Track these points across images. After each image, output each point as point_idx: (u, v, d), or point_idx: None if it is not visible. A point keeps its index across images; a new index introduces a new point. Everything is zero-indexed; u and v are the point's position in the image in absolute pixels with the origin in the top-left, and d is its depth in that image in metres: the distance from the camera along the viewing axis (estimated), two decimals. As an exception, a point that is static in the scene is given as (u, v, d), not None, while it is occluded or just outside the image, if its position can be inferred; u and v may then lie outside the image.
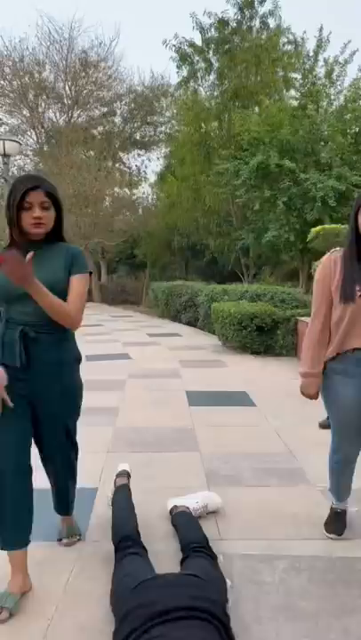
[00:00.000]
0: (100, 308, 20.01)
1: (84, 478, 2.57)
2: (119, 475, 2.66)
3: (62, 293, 1.96)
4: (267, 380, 5.88)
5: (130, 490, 2.52)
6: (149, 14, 43.43)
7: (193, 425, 4.15)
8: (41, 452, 2.20)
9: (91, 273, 2.06)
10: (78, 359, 2.18)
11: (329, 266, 2.24)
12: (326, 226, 6.91)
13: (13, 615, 1.87)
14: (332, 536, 2.41)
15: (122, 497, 2.42)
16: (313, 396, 2.33)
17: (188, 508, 2.48)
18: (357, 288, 2.12)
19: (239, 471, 3.19)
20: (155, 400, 4.98)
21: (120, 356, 7.68)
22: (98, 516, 2.59)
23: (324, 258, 2.31)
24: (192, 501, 2.55)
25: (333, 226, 6.83)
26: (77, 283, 1.99)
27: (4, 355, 1.96)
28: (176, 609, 1.57)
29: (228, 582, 1.94)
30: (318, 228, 6.71)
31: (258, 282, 16.01)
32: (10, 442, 1.96)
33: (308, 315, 2.34)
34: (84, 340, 8.21)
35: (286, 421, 4.23)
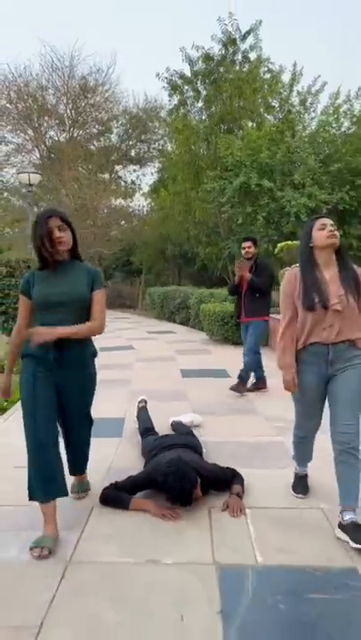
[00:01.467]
0: (100, 311, 21.67)
1: (116, 413, 4.29)
2: (140, 402, 4.38)
3: (85, 303, 2.52)
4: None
5: (147, 408, 4.24)
6: (143, 42, 46.41)
7: (185, 388, 5.88)
8: (64, 426, 2.70)
9: (105, 286, 3.25)
10: (95, 354, 2.70)
11: (291, 280, 2.67)
12: (289, 242, 8.68)
13: (52, 553, 2.34)
14: (299, 496, 2.93)
15: (143, 411, 4.15)
16: (290, 385, 2.66)
17: (181, 421, 4.20)
18: (316, 299, 2.55)
19: (215, 409, 4.91)
20: (157, 375, 6.69)
21: (126, 347, 9.41)
22: (126, 429, 4.30)
23: (287, 273, 2.73)
24: (184, 418, 4.27)
25: (294, 242, 8.58)
26: (99, 297, 2.56)
27: (40, 351, 2.45)
28: (176, 444, 3.28)
29: (203, 445, 3.66)
30: (282, 244, 8.48)
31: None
32: (42, 415, 2.43)
33: (279, 312, 2.78)
34: (94, 337, 10.03)
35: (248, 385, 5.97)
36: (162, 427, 4.06)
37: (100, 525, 2.65)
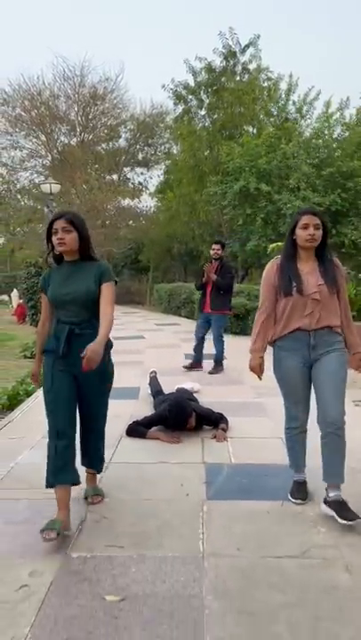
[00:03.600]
0: (110, 307, 22.96)
1: (132, 384, 5.51)
2: (151, 372, 5.59)
3: (93, 298, 2.61)
4: (237, 348, 8.77)
5: (157, 377, 5.46)
6: (149, 52, 48.87)
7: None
8: (81, 412, 2.76)
9: (116, 282, 2.71)
10: (110, 345, 2.72)
11: (271, 269, 2.82)
12: (279, 243, 9.84)
13: (60, 535, 2.39)
14: (298, 502, 2.84)
15: (154, 379, 5.36)
16: (255, 368, 2.93)
17: (184, 387, 5.40)
18: (293, 284, 2.68)
19: (211, 380, 6.13)
20: (165, 358, 7.90)
21: (137, 337, 10.66)
22: (140, 394, 5.51)
23: (269, 263, 2.86)
24: (187, 385, 5.47)
25: (286, 243, 9.74)
26: (106, 291, 2.63)
27: (55, 344, 2.63)
28: (181, 397, 4.49)
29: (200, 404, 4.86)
30: (274, 244, 9.65)
31: (246, 282, 18.93)
32: (61, 409, 2.59)
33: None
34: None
35: (244, 365, 7.15)
36: (169, 390, 5.26)
37: (133, 443, 3.88)
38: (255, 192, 14.81)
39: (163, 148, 25.71)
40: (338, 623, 1.88)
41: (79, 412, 2.75)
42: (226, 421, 4.20)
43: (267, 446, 3.81)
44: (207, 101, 17.99)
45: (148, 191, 27.18)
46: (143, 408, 4.92)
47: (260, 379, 2.99)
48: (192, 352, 7.13)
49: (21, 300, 16.58)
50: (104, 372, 2.71)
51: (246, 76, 17.50)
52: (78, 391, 2.69)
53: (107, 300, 2.62)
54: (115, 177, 26.42)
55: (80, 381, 2.67)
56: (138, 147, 26.19)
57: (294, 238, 2.74)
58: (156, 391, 5.09)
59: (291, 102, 16.33)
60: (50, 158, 25.23)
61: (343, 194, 14.27)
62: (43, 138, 24.36)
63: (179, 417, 3.99)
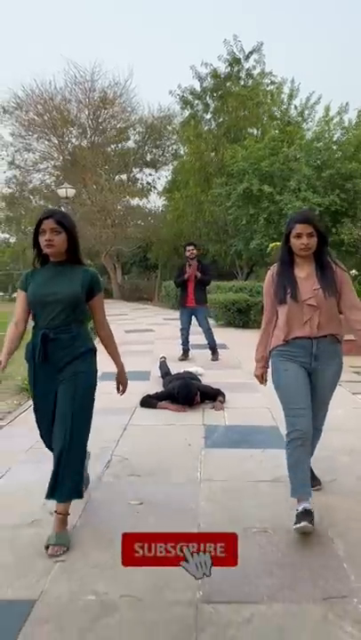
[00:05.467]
0: (120, 303, 23.86)
1: (144, 368, 6.35)
2: (161, 357, 6.43)
3: (77, 303, 2.50)
4: (238, 339, 9.62)
5: (166, 362, 6.29)
6: (158, 56, 50.05)
7: (193, 355, 7.92)
8: (57, 426, 2.48)
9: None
10: (93, 350, 2.60)
11: (269, 279, 2.78)
12: (278, 243, 10.62)
13: (69, 549, 2.36)
14: (303, 525, 2.41)
15: (163, 363, 6.19)
16: (259, 377, 2.92)
17: (189, 370, 6.23)
18: (287, 291, 2.63)
19: (213, 365, 6.96)
20: (172, 347, 8.72)
21: (147, 330, 11.49)
22: (151, 377, 6.34)
23: (268, 273, 2.83)
24: (191, 368, 6.29)
25: (284, 242, 10.51)
26: (99, 301, 2.59)
27: (32, 353, 2.50)
28: (188, 379, 5.32)
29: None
30: (273, 244, 10.43)
31: (251, 279, 19.73)
32: (44, 424, 2.57)
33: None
34: (119, 324, 12.18)
35: (243, 353, 7.96)
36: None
37: (145, 412, 4.73)
38: (258, 193, 15.58)
39: (170, 149, 26.61)
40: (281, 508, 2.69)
41: (55, 426, 2.51)
42: (223, 395, 5.02)
43: (256, 414, 4.63)
44: (213, 106, 18.79)
45: (156, 190, 28.10)
46: (154, 387, 5.73)
47: (265, 385, 2.96)
48: (200, 342, 7.91)
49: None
50: (78, 385, 2.50)
51: (250, 81, 18.25)
52: (55, 402, 2.51)
53: (102, 314, 2.65)
54: (124, 177, 27.30)
55: (57, 393, 2.50)
56: (146, 148, 27.07)
57: (289, 245, 2.70)
58: (165, 373, 5.92)
59: (293, 107, 17.08)
60: (61, 160, 26.15)
61: (342, 194, 15.01)
62: (54, 140, 25.32)
63: (186, 396, 4.80)
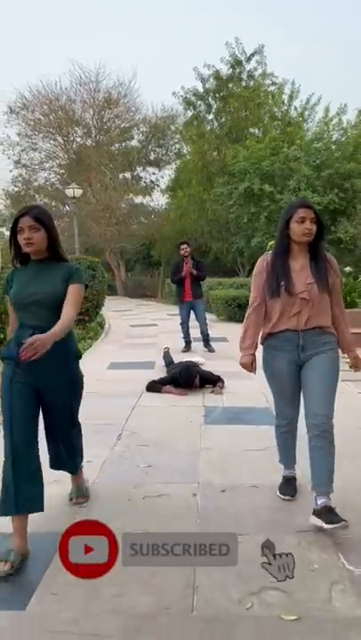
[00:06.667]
0: (124, 299, 24.40)
1: (149, 359, 6.83)
2: (165, 348, 6.91)
3: (60, 301, 2.40)
4: (239, 334, 10.07)
5: (169, 352, 6.77)
6: (161, 57, 51.37)
7: (195, 347, 8.40)
8: (46, 426, 2.62)
9: (87, 286, 2.52)
10: (77, 355, 2.62)
11: (261, 265, 2.70)
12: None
13: (14, 567, 2.20)
14: (286, 498, 2.79)
15: (167, 353, 6.68)
16: (247, 366, 2.81)
17: (191, 360, 6.71)
18: (282, 284, 2.58)
19: (212, 356, 7.44)
20: (175, 341, 9.22)
21: (151, 325, 11.98)
22: (156, 366, 6.83)
23: (260, 259, 2.73)
24: (193, 358, 6.77)
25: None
26: (73, 290, 2.43)
27: (14, 351, 2.33)
28: (189, 363, 5.80)
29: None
30: (272, 242, 10.87)
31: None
32: (18, 426, 2.34)
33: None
34: (125, 319, 12.72)
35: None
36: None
37: (151, 395, 5.21)
38: (259, 192, 16.04)
39: (173, 148, 27.03)
40: (268, 469, 3.18)
41: (45, 426, 2.62)
42: (222, 381, 5.50)
43: (252, 397, 5.11)
44: (215, 106, 19.21)
45: (159, 189, 28.54)
46: (158, 375, 6.22)
47: (254, 374, 2.91)
48: (188, 337, 8.42)
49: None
50: (72, 382, 2.59)
51: (252, 83, 18.67)
52: (42, 405, 2.53)
53: (70, 302, 2.41)
54: (128, 175, 27.78)
55: (43, 394, 2.49)
56: (150, 147, 27.52)
57: (288, 233, 2.61)
58: (169, 362, 6.41)
59: (293, 108, 17.50)
60: (66, 159, 26.64)
61: (341, 193, 15.45)
62: (60, 140, 25.82)
63: (187, 378, 5.29)
